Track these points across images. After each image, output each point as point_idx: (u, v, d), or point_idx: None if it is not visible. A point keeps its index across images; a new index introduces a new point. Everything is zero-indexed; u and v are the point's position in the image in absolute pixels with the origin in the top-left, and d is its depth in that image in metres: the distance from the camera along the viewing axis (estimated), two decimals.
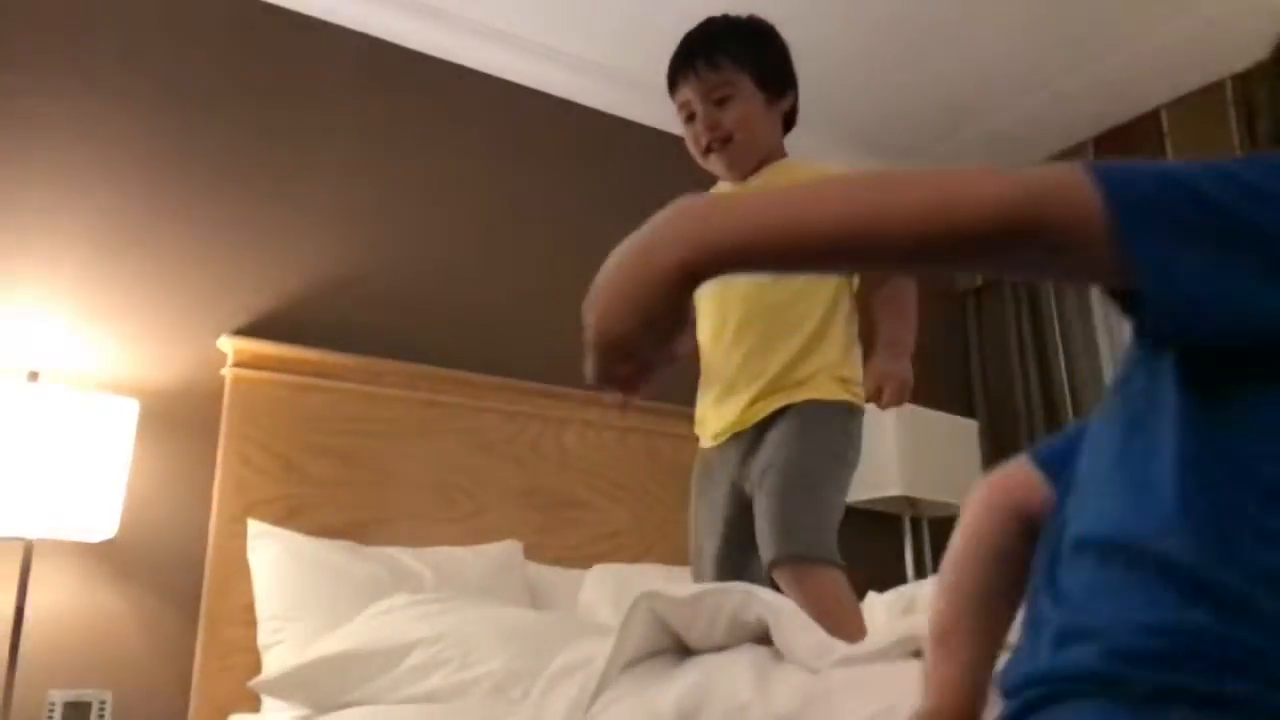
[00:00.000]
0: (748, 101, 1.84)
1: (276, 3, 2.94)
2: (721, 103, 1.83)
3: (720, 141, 1.84)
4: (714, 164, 1.89)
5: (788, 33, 1.95)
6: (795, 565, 1.63)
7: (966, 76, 3.61)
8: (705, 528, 1.89)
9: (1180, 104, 3.61)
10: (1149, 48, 3.42)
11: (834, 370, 1.78)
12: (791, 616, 1.11)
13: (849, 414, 1.79)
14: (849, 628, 1.45)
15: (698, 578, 1.87)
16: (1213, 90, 3.50)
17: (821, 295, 1.81)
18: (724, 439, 1.84)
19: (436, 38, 3.19)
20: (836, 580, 1.64)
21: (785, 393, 1.76)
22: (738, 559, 1.83)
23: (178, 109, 2.71)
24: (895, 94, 3.61)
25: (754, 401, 1.79)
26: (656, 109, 3.56)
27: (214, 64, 2.81)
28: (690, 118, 1.88)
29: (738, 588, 1.16)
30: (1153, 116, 3.68)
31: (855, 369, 1.83)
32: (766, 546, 1.68)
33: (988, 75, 3.61)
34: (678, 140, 3.59)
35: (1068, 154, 3.95)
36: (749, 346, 1.80)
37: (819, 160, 1.96)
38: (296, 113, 2.92)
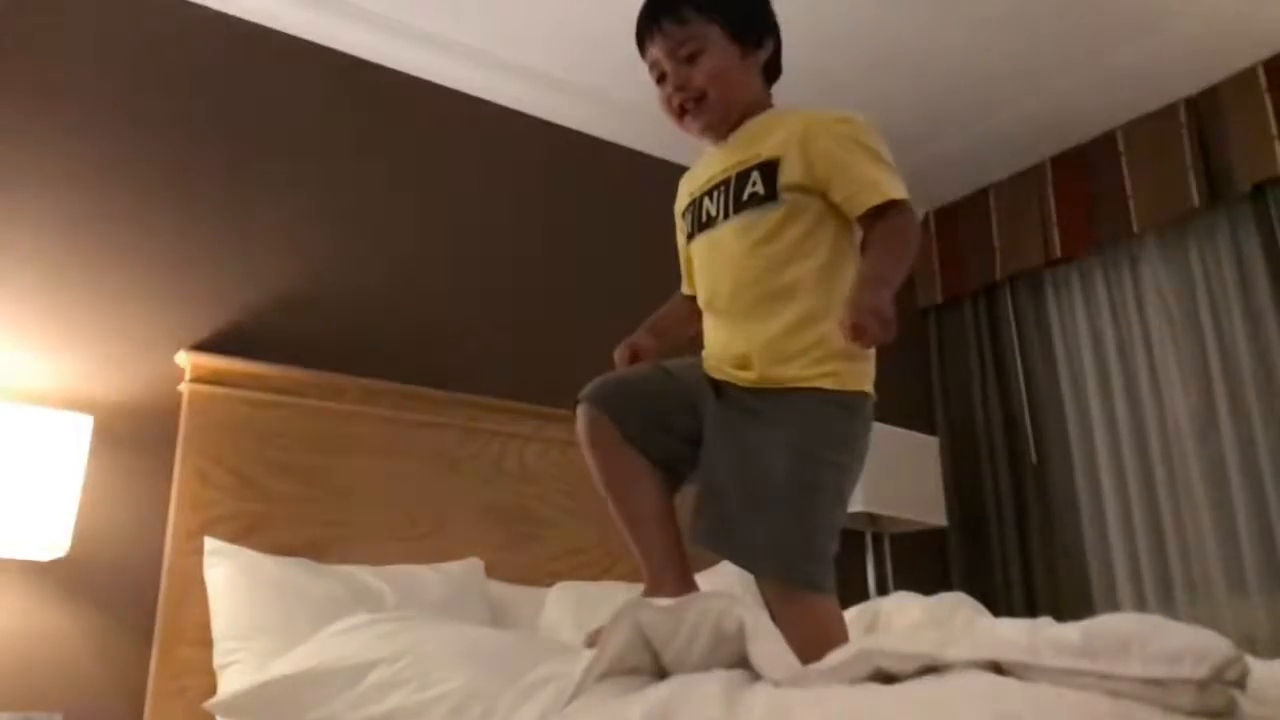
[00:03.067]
0: (720, 55, 1.71)
1: (234, 15, 2.92)
2: (691, 59, 1.71)
3: (694, 101, 1.72)
4: (689, 126, 1.77)
5: None
6: (781, 591, 1.53)
7: (924, 98, 3.66)
8: (650, 378, 1.78)
9: (1136, 126, 3.68)
10: (1106, 71, 3.49)
11: (836, 338, 1.57)
12: (767, 627, 1.11)
13: (852, 409, 1.63)
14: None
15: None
16: (1167, 113, 3.58)
17: (820, 250, 1.65)
18: (716, 376, 1.72)
19: (397, 52, 3.18)
20: (825, 610, 1.52)
21: (782, 367, 1.62)
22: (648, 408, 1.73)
23: (133, 122, 2.69)
24: None
25: (752, 370, 1.65)
26: (624, 126, 3.58)
27: (171, 78, 2.78)
28: (661, 79, 1.76)
29: (723, 596, 1.15)
30: (1109, 138, 3.75)
31: None
32: (751, 560, 1.56)
33: (945, 96, 3.66)
34: (646, 159, 3.65)
35: (1025, 174, 4.01)
36: (740, 321, 1.68)
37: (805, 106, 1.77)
38: (255, 127, 2.90)
